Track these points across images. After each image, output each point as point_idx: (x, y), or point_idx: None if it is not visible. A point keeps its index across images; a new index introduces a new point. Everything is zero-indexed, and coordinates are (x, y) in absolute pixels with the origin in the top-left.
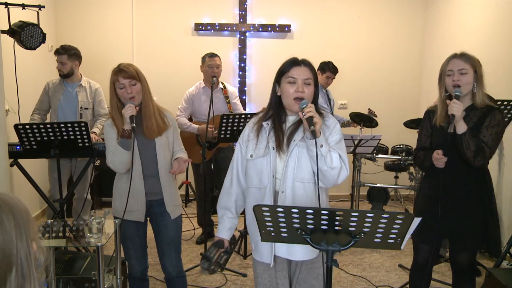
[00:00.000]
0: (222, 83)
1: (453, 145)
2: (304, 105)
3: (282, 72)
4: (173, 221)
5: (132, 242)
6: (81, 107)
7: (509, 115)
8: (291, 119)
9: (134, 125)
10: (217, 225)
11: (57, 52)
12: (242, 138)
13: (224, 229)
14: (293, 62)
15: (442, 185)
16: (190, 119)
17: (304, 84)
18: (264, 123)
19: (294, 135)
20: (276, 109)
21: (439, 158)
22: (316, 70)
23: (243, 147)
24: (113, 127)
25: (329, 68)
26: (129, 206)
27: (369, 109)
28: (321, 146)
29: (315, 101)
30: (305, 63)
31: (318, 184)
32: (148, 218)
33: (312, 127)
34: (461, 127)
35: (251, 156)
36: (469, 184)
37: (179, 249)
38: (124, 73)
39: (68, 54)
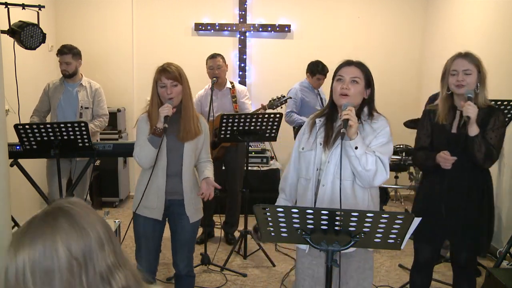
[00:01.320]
0: (231, 83)
1: (460, 146)
2: (345, 108)
3: (335, 72)
4: (191, 224)
5: (146, 241)
6: (81, 107)
7: (509, 115)
8: None
9: (167, 125)
10: (217, 225)
11: (61, 52)
12: (300, 131)
13: None
14: (345, 63)
15: (447, 185)
16: None
17: (351, 82)
18: (317, 120)
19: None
20: (330, 108)
21: (447, 159)
22: (306, 72)
23: (298, 140)
24: (148, 122)
25: (318, 71)
26: (148, 203)
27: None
28: (356, 148)
29: (368, 102)
30: (356, 63)
31: (341, 182)
32: (167, 218)
33: (343, 129)
34: (474, 130)
35: (302, 148)
36: (472, 185)
37: (193, 249)
38: (167, 73)
39: (73, 54)
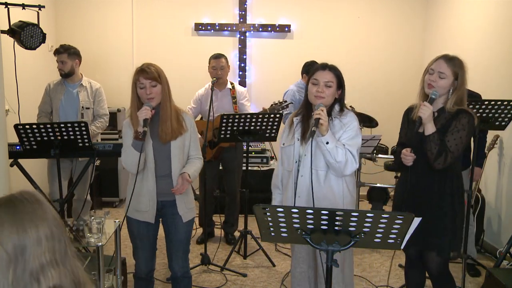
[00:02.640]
0: (232, 83)
1: (420, 145)
2: (317, 108)
3: (310, 75)
4: (184, 224)
5: (141, 242)
6: (82, 107)
7: (509, 115)
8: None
9: (146, 129)
10: (217, 225)
11: (57, 52)
12: (283, 129)
13: (275, 202)
14: (320, 67)
15: (409, 183)
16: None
17: (325, 86)
18: (295, 118)
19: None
20: (305, 107)
21: (407, 155)
22: (302, 73)
23: (281, 137)
24: (131, 126)
25: None
26: (140, 206)
27: (350, 106)
28: (327, 143)
29: (340, 100)
30: (330, 68)
31: (312, 175)
32: (160, 219)
33: (314, 127)
34: (428, 129)
35: (283, 144)
36: (434, 186)
37: (187, 250)
38: (146, 74)
39: (68, 53)
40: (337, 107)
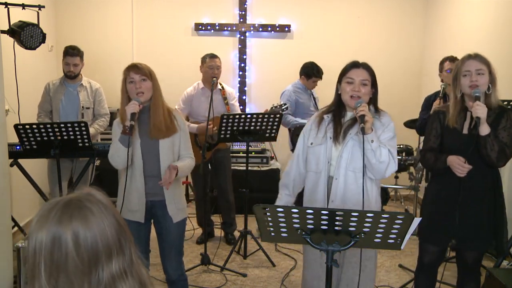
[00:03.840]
0: (221, 84)
1: (473, 147)
2: (358, 104)
3: (343, 73)
4: (175, 224)
5: None
6: (82, 107)
7: None
8: (349, 115)
9: (133, 123)
10: (216, 225)
11: (70, 54)
12: (306, 128)
13: (281, 203)
14: (353, 65)
15: (462, 187)
16: (186, 120)
17: (361, 85)
18: (325, 116)
19: (350, 129)
20: (337, 105)
21: (464, 166)
22: (300, 75)
23: (305, 136)
24: (120, 125)
25: (313, 74)
26: (130, 205)
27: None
28: (372, 141)
29: (373, 100)
30: (364, 66)
31: (364, 176)
32: (152, 220)
33: (362, 124)
34: (485, 129)
35: (311, 143)
36: (484, 185)
37: (181, 252)
38: (136, 69)
39: (80, 56)
40: (372, 108)
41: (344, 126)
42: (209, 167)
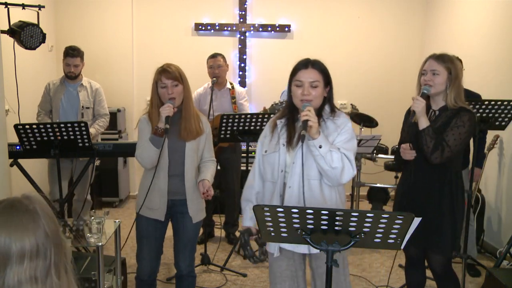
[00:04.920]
0: (231, 83)
1: (414, 139)
2: (304, 108)
3: (292, 74)
4: (193, 224)
5: (148, 241)
6: (82, 106)
7: (509, 115)
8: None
9: (168, 126)
10: (217, 225)
11: (70, 55)
12: (262, 135)
13: (247, 218)
14: (301, 65)
15: (410, 181)
16: None
17: (311, 87)
18: (278, 121)
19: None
20: (290, 109)
21: (406, 148)
22: None
23: (261, 144)
24: (149, 122)
25: None
26: (151, 204)
27: (351, 104)
28: (320, 146)
29: (328, 100)
30: (314, 65)
31: (303, 186)
32: (170, 218)
33: (303, 131)
34: (422, 123)
35: (265, 151)
36: (434, 184)
37: (194, 249)
38: (168, 74)
39: (81, 56)
40: (327, 108)
41: (298, 131)
42: (218, 166)
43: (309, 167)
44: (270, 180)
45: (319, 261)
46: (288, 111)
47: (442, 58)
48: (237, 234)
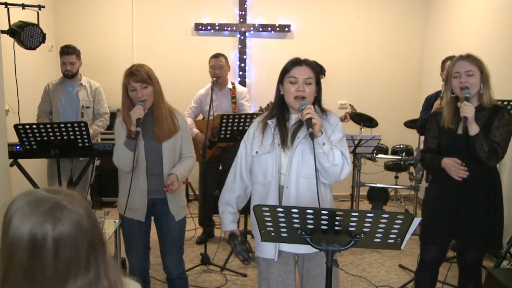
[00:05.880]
0: (232, 83)
1: (466, 147)
2: (303, 107)
3: (284, 72)
4: (176, 222)
5: (134, 240)
6: (82, 106)
7: None
8: (294, 117)
9: (139, 129)
10: (217, 225)
11: (66, 53)
12: (247, 136)
13: (228, 223)
14: (295, 62)
15: (465, 187)
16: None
17: (305, 84)
18: (269, 121)
19: (298, 133)
20: (279, 108)
21: (461, 168)
22: None
23: (248, 145)
24: (123, 125)
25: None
26: (132, 204)
27: (350, 104)
28: (323, 144)
29: (318, 100)
30: (307, 62)
31: (317, 181)
32: (152, 218)
33: (310, 129)
34: (474, 129)
35: (257, 153)
36: (481, 184)
37: (181, 250)
38: (135, 77)
39: (76, 54)
40: (317, 108)
41: (290, 130)
42: (220, 167)
43: (306, 166)
44: (261, 182)
45: (312, 261)
46: (278, 110)
47: (472, 58)
48: None
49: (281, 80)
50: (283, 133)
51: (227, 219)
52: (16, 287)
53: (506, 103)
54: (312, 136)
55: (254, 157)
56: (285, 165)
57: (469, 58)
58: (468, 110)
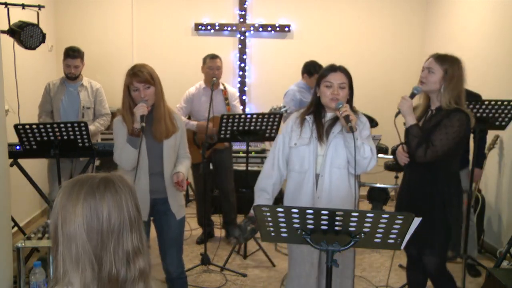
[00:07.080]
0: (223, 84)
1: (406, 139)
2: (340, 105)
3: (321, 77)
4: (177, 221)
5: None
6: (83, 106)
7: (509, 115)
8: (328, 115)
9: (144, 124)
10: (216, 225)
11: (71, 56)
12: (286, 129)
13: (260, 202)
14: (331, 68)
15: (405, 183)
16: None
17: (339, 88)
18: (307, 117)
19: (332, 128)
20: (316, 107)
21: (400, 151)
22: (302, 74)
23: (286, 137)
24: (124, 124)
25: (315, 70)
26: None
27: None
28: (357, 139)
29: (350, 101)
30: (341, 69)
31: (355, 171)
32: (151, 218)
33: (349, 123)
34: (408, 122)
35: (295, 144)
36: (426, 186)
37: (181, 250)
38: (138, 77)
39: (81, 57)
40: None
41: (325, 126)
42: (211, 167)
43: (338, 157)
44: (298, 171)
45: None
46: (315, 108)
47: (442, 58)
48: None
49: (318, 84)
50: (319, 128)
51: (261, 201)
52: None
53: (506, 103)
54: (352, 129)
55: (292, 148)
56: (321, 156)
57: (439, 57)
58: (402, 103)
